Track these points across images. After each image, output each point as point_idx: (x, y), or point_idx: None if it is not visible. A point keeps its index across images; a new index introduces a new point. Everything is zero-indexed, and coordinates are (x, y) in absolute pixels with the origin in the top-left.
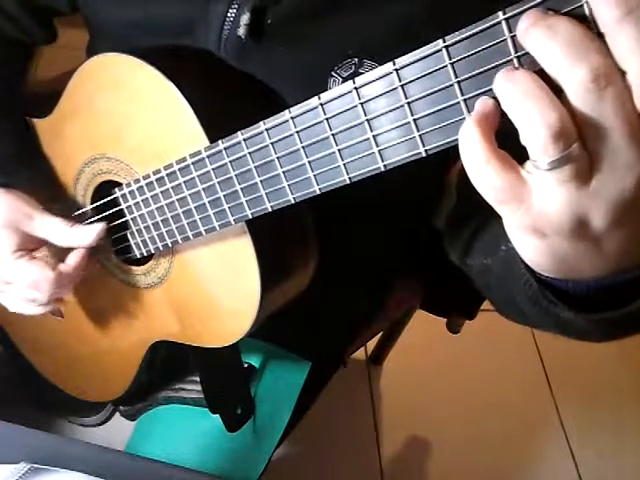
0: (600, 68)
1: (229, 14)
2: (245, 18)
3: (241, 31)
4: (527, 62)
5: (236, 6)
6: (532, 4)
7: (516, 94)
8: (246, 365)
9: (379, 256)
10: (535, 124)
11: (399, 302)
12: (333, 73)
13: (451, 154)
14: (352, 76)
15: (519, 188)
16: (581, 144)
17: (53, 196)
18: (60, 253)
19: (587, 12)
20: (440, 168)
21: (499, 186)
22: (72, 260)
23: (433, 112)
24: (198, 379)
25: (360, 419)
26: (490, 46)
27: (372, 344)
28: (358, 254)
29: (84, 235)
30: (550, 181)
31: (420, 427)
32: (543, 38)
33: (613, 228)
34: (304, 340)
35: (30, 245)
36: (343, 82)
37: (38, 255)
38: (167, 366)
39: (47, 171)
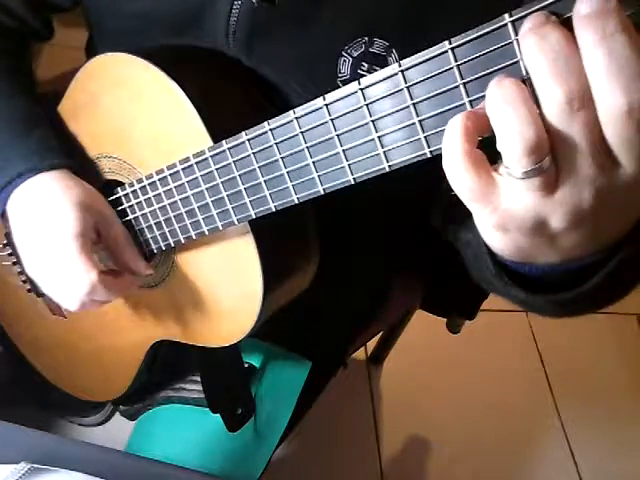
0: (576, 91)
1: (236, 1)
2: None
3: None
4: None
5: None
6: (538, 6)
7: (500, 100)
8: (247, 365)
9: (379, 256)
10: (513, 135)
11: (399, 302)
12: (343, 53)
13: None
14: (362, 55)
15: (489, 189)
16: (552, 158)
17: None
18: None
19: None
20: (441, 165)
21: (470, 186)
22: (126, 279)
23: (438, 113)
24: (199, 379)
25: (360, 419)
26: (496, 48)
27: (372, 344)
28: (359, 254)
29: (137, 263)
30: (519, 187)
31: (420, 427)
32: (534, 49)
33: (569, 230)
34: (305, 340)
35: (92, 236)
36: (353, 62)
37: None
38: (167, 366)
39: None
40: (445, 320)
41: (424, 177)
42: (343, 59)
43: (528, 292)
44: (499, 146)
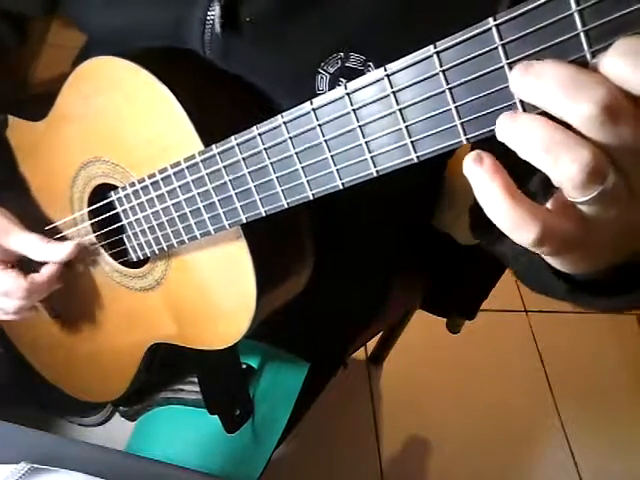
0: (604, 98)
1: (209, 16)
2: (217, 12)
3: (217, 26)
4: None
5: (214, 9)
6: (522, 10)
7: (540, 142)
8: (245, 366)
9: (379, 256)
10: (567, 168)
11: (399, 302)
12: (320, 70)
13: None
14: (339, 71)
15: (556, 228)
16: (614, 168)
17: (31, 206)
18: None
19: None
20: (438, 165)
21: (561, 245)
22: (46, 271)
23: (424, 119)
24: (197, 380)
25: (360, 419)
26: (482, 53)
27: (372, 344)
28: (357, 254)
29: (58, 251)
30: (594, 207)
31: (420, 427)
32: (537, 87)
33: None
34: (303, 341)
35: (5, 258)
36: (330, 78)
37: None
38: (166, 367)
39: (24, 179)
40: (445, 320)
41: (422, 177)
42: (320, 76)
43: (601, 296)
44: (555, 183)
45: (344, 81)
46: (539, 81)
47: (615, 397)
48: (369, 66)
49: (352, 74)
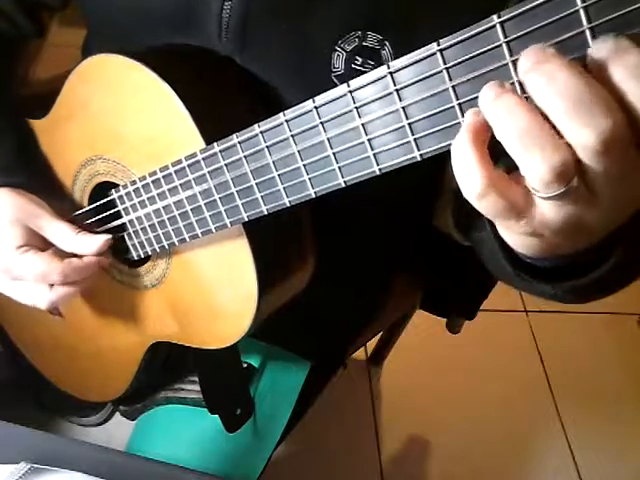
0: (608, 131)
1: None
2: None
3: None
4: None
5: None
6: (528, 7)
7: (515, 131)
8: (245, 365)
9: (379, 256)
10: (536, 164)
11: (399, 302)
12: (337, 47)
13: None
14: (356, 49)
15: (520, 207)
16: (580, 177)
17: (52, 196)
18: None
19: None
20: (439, 163)
21: (501, 208)
22: (86, 258)
23: (428, 116)
24: (197, 379)
25: (360, 419)
26: (485, 50)
27: (372, 344)
28: (358, 254)
29: (89, 244)
30: (553, 203)
31: (420, 427)
32: (544, 90)
33: (607, 222)
34: (304, 340)
35: (36, 243)
36: (347, 56)
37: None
38: (166, 366)
39: (46, 170)
40: (445, 320)
41: (423, 176)
42: (337, 53)
43: (554, 283)
44: (523, 172)
45: (359, 60)
46: (548, 86)
47: (615, 397)
48: (385, 45)
49: (368, 53)
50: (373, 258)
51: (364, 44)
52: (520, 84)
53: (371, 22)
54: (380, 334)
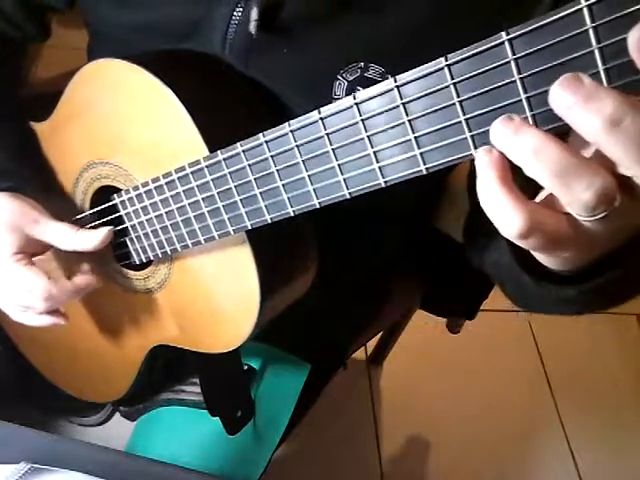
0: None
1: (235, 15)
2: (255, 13)
3: (251, 27)
4: (530, 85)
5: (241, 8)
6: (537, 25)
7: (548, 170)
8: (246, 367)
9: (379, 256)
10: (577, 194)
11: (399, 302)
12: (338, 76)
13: None
14: (357, 80)
15: (565, 232)
16: (621, 191)
17: (52, 199)
18: (67, 264)
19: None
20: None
21: (549, 241)
22: (78, 280)
23: (434, 130)
24: (198, 381)
25: (360, 419)
26: (494, 67)
27: (372, 344)
28: (358, 255)
29: (90, 238)
30: (600, 221)
31: (420, 427)
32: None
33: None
34: (304, 341)
35: (31, 249)
36: (348, 85)
37: (39, 258)
38: (167, 368)
39: (48, 172)
40: (445, 320)
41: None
42: (338, 82)
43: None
44: (563, 202)
45: (360, 90)
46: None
47: (615, 397)
48: (387, 78)
49: (369, 84)
50: (373, 259)
51: (365, 75)
52: (529, 100)
53: (374, 54)
54: (380, 334)
